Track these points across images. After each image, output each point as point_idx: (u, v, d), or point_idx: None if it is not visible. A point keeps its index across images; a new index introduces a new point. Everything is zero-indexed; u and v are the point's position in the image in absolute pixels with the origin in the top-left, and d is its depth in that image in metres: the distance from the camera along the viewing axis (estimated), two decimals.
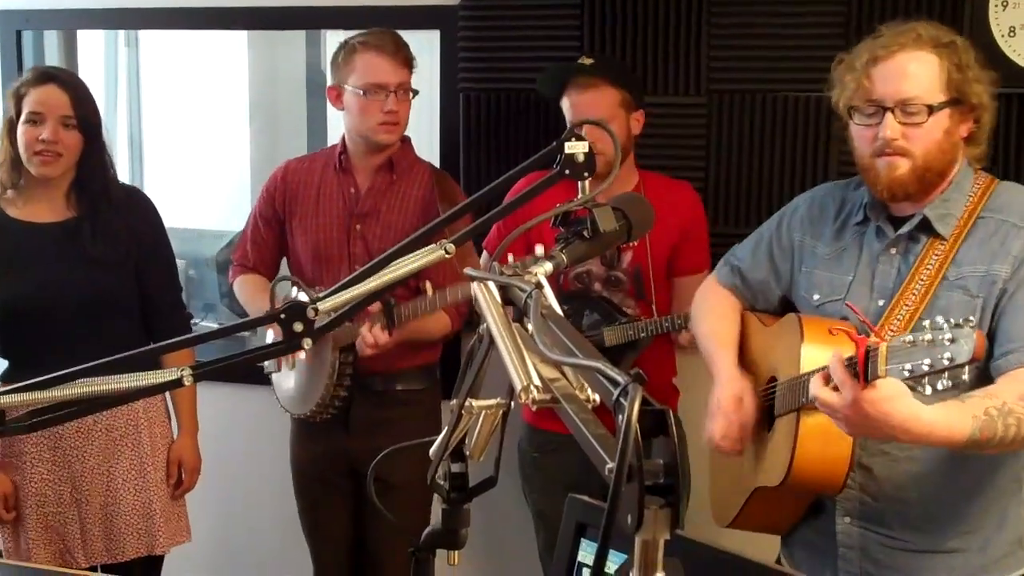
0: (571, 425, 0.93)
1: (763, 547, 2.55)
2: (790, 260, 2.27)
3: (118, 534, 2.87)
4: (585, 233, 1.33)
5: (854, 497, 2.10)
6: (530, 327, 1.07)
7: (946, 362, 1.58)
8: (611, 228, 1.33)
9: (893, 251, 2.09)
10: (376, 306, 2.75)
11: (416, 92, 2.96)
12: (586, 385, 1.00)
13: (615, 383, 0.85)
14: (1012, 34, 2.91)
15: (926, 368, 1.61)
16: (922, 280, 2.02)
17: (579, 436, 0.90)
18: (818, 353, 2.00)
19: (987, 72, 2.04)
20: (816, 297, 2.18)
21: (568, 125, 2.87)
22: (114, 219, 2.84)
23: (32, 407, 1.32)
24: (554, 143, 1.39)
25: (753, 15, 3.15)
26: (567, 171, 1.37)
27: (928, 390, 1.64)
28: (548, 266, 1.27)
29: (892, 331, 1.99)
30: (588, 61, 2.92)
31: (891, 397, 1.73)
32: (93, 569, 2.85)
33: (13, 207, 2.85)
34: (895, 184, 2.01)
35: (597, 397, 0.98)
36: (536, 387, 0.99)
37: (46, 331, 2.79)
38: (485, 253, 3.01)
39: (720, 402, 2.19)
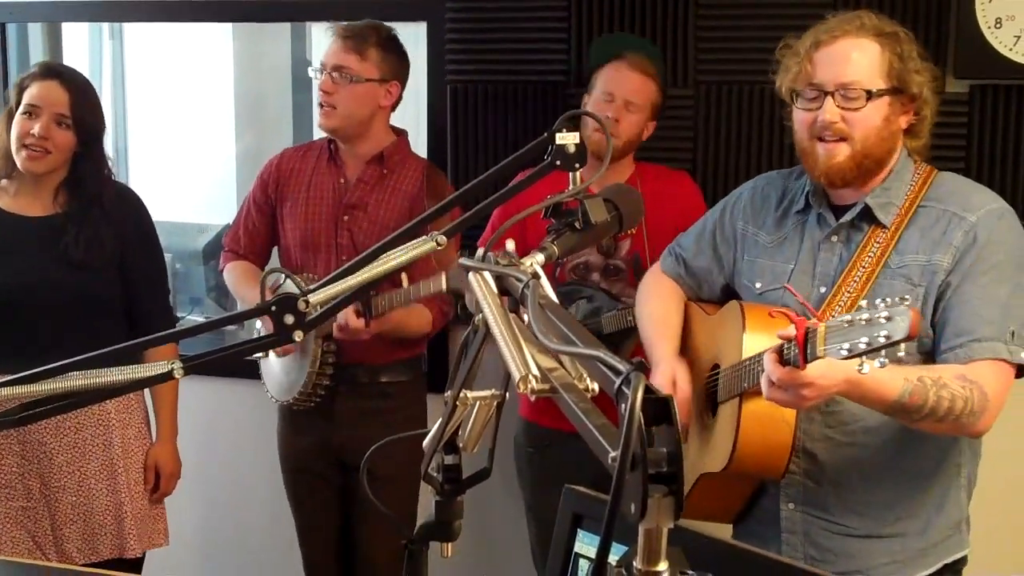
0: (571, 415, 0.92)
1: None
2: (732, 248, 2.30)
3: (92, 534, 2.84)
4: (576, 224, 1.33)
5: (797, 483, 2.12)
6: (527, 317, 1.06)
7: (883, 339, 1.59)
8: (602, 219, 1.33)
9: (835, 239, 2.11)
10: None
11: (367, 80, 2.87)
12: (585, 375, 1.00)
13: (616, 372, 0.84)
14: (998, 25, 2.92)
15: (863, 347, 1.61)
16: (863, 267, 2.05)
17: (579, 426, 0.89)
18: (760, 340, 2.02)
19: (929, 66, 2.07)
20: (758, 285, 2.21)
21: (600, 93, 2.85)
22: (101, 223, 2.81)
23: (17, 401, 1.31)
24: (544, 134, 1.38)
25: (740, 6, 3.16)
26: (558, 162, 1.37)
27: (866, 368, 1.65)
28: (540, 257, 1.27)
29: (833, 317, 2.01)
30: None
31: (824, 374, 1.77)
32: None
33: (4, 196, 2.84)
34: (833, 170, 2.04)
35: (596, 387, 0.97)
36: (535, 376, 0.98)
37: (19, 325, 2.76)
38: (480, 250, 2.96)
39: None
